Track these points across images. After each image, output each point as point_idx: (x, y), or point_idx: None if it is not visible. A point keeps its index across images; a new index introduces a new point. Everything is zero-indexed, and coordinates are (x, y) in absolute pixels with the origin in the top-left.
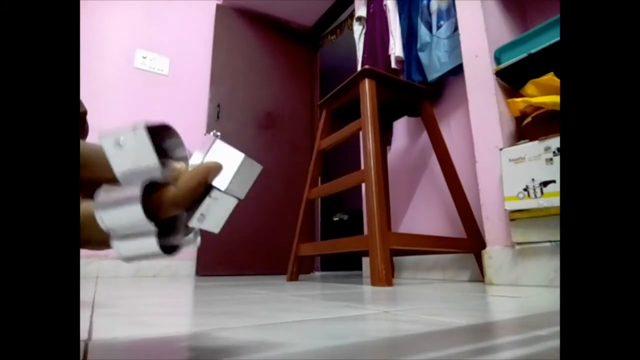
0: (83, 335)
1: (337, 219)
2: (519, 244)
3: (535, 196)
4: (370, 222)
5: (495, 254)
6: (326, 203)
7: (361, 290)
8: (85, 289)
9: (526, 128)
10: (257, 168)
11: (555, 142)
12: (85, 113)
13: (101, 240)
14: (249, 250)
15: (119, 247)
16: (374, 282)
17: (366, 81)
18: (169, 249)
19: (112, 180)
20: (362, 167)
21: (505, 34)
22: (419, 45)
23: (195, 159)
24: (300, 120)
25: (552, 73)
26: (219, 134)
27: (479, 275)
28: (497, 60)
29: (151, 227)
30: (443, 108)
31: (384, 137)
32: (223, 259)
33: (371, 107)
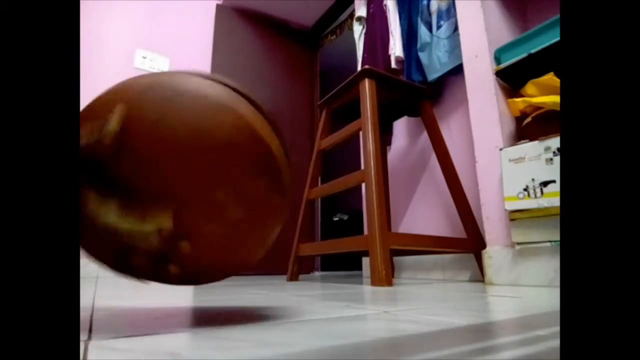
0: (83, 335)
1: (337, 219)
2: (519, 244)
3: (535, 196)
4: (370, 222)
5: (495, 254)
6: (326, 203)
7: (361, 290)
8: (85, 289)
9: (526, 128)
10: None
11: (555, 142)
12: None
13: None
14: None
15: None
16: (374, 282)
17: (366, 81)
18: None
19: None
20: (362, 167)
21: (505, 34)
22: (419, 45)
23: None
24: (300, 120)
25: (552, 73)
26: None
27: (479, 275)
28: (497, 60)
29: None
30: (443, 108)
31: (384, 137)
32: None
33: (371, 107)
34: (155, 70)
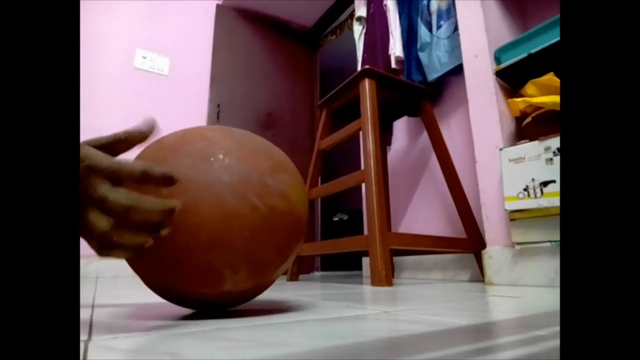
0: (83, 335)
1: (337, 219)
2: (519, 244)
3: (535, 196)
4: (370, 222)
5: (495, 254)
6: (326, 203)
7: (361, 290)
8: (85, 289)
9: (526, 128)
10: None
11: (555, 142)
12: None
13: None
14: None
15: None
16: (374, 282)
17: (366, 81)
18: None
19: None
20: (362, 167)
21: (505, 34)
22: (419, 45)
23: None
24: (300, 120)
25: (552, 73)
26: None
27: (479, 275)
28: (497, 60)
29: None
30: (443, 108)
31: (384, 137)
32: None
33: (371, 107)
34: (155, 71)
